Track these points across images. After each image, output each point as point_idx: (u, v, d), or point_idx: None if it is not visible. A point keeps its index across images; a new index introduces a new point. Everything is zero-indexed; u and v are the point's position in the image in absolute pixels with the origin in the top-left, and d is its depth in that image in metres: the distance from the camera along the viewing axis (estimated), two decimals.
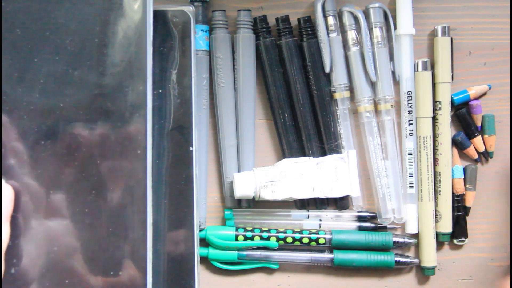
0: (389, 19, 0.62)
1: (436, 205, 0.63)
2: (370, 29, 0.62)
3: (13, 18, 0.50)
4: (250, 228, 0.63)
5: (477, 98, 0.64)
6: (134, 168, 0.49)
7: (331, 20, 0.62)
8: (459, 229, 0.64)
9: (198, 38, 0.61)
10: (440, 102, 0.62)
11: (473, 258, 0.64)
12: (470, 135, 0.63)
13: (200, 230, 0.61)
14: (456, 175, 0.63)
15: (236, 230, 0.62)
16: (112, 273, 0.49)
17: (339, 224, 0.63)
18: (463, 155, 0.64)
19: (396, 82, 0.63)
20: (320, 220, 0.63)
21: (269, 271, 0.64)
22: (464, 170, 0.64)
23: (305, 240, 0.62)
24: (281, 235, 0.62)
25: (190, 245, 0.57)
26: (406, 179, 0.63)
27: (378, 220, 0.63)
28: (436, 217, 0.63)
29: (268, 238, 0.62)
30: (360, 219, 0.64)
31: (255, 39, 0.62)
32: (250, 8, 0.63)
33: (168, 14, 0.58)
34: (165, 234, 0.56)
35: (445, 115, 0.62)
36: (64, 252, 0.49)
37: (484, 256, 0.64)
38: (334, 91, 0.62)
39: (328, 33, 0.62)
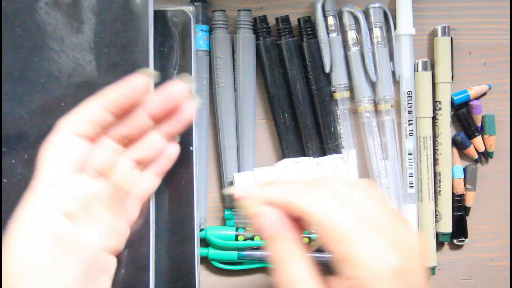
0: (389, 19, 0.62)
1: (436, 205, 0.63)
2: (370, 29, 0.62)
3: (13, 18, 0.50)
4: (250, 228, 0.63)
5: (477, 98, 0.64)
6: None
7: (331, 20, 0.62)
8: (459, 229, 0.64)
9: (198, 38, 0.61)
10: (440, 102, 0.62)
11: (473, 258, 0.64)
12: (470, 135, 0.63)
13: (200, 230, 0.61)
14: (456, 175, 0.63)
15: (236, 230, 0.62)
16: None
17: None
18: (463, 155, 0.64)
19: (396, 82, 0.63)
20: None
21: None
22: (464, 170, 0.64)
23: (305, 240, 0.62)
24: None
25: (190, 245, 0.57)
26: (406, 179, 0.63)
27: None
28: (436, 217, 0.63)
29: None
30: None
31: (255, 39, 0.62)
32: (250, 8, 0.63)
33: (168, 14, 0.58)
34: (165, 234, 0.56)
35: (445, 115, 0.62)
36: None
37: (484, 256, 0.64)
38: (334, 91, 0.62)
39: (328, 33, 0.62)
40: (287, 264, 0.38)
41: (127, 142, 0.44)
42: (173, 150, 0.48)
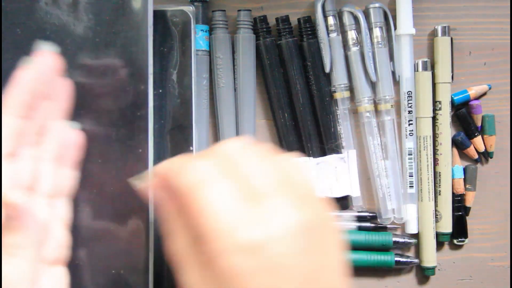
0: (389, 19, 0.62)
1: (436, 205, 0.63)
2: (370, 29, 0.62)
3: (13, 18, 0.50)
4: None
5: (477, 98, 0.64)
6: (135, 168, 0.49)
7: (331, 20, 0.62)
8: (459, 229, 0.64)
9: (198, 38, 0.61)
10: (440, 102, 0.62)
11: (473, 258, 0.64)
12: (470, 135, 0.63)
13: None
14: (456, 175, 0.63)
15: None
16: (113, 271, 0.49)
17: (339, 224, 0.63)
18: (463, 155, 0.64)
19: (396, 82, 0.63)
20: None
21: None
22: (464, 170, 0.64)
23: None
24: None
25: None
26: (406, 179, 0.63)
27: (378, 220, 0.63)
28: (436, 217, 0.63)
29: None
30: (360, 219, 0.64)
31: (255, 39, 0.62)
32: (250, 8, 0.63)
33: (168, 14, 0.58)
34: None
35: (445, 115, 0.62)
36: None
37: (484, 256, 0.64)
38: (334, 91, 0.62)
39: (328, 33, 0.62)
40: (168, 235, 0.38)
41: (39, 139, 0.42)
42: (78, 137, 0.46)
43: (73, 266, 0.48)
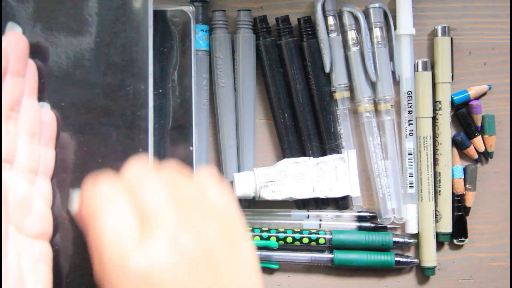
0: (389, 19, 0.62)
1: (436, 205, 0.63)
2: (370, 29, 0.62)
3: (13, 18, 0.50)
4: (250, 228, 0.63)
5: (477, 98, 0.64)
6: None
7: (331, 20, 0.62)
8: (459, 229, 0.64)
9: (198, 38, 0.61)
10: (440, 102, 0.62)
11: (473, 258, 0.64)
12: (470, 135, 0.63)
13: None
14: (456, 175, 0.63)
15: None
16: None
17: (339, 224, 0.63)
18: (463, 155, 0.64)
19: (396, 82, 0.63)
20: (320, 220, 0.63)
21: (269, 271, 0.64)
22: (464, 170, 0.64)
23: (305, 240, 0.62)
24: (281, 235, 0.62)
25: None
26: (406, 179, 0.63)
27: (378, 220, 0.63)
28: (436, 217, 0.63)
29: (268, 238, 0.62)
30: (360, 219, 0.64)
31: (255, 39, 0.62)
32: (250, 8, 0.63)
33: (168, 14, 0.58)
34: None
35: (445, 115, 0.62)
36: (66, 251, 0.49)
37: (484, 256, 0.64)
38: (334, 91, 0.62)
39: (328, 33, 0.62)
40: None
41: (12, 115, 0.42)
42: (49, 116, 0.46)
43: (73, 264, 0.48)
